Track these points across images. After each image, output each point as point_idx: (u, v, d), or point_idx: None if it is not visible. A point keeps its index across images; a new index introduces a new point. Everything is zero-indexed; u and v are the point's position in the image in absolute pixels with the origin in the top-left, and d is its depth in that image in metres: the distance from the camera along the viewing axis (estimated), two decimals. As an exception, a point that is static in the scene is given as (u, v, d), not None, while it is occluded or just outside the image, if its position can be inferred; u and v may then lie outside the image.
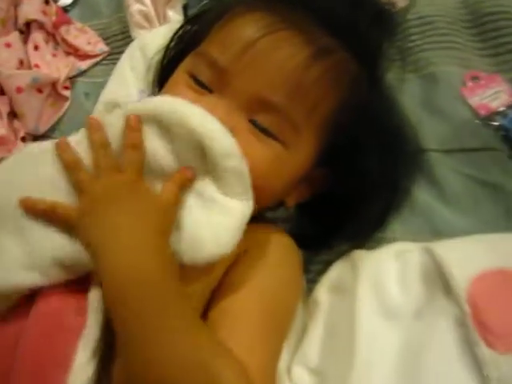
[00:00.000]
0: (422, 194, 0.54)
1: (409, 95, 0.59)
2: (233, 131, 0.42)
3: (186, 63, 0.47)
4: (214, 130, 0.39)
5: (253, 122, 0.44)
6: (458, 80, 0.59)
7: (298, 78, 0.42)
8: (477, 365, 0.40)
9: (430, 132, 0.56)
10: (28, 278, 0.38)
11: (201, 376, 0.34)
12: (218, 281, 0.45)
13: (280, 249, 0.49)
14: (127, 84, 0.65)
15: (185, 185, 0.40)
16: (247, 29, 0.43)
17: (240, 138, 0.42)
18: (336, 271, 0.52)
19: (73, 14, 0.83)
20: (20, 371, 0.36)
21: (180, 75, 0.47)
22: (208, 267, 0.43)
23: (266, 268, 0.46)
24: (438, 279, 0.45)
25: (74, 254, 0.38)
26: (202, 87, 0.45)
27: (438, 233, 0.51)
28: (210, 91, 0.45)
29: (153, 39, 0.67)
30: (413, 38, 0.62)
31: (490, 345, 0.40)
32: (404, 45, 0.60)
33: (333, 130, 0.46)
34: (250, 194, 0.40)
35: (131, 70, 0.66)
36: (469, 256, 0.46)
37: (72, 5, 0.84)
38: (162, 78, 0.57)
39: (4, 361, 0.38)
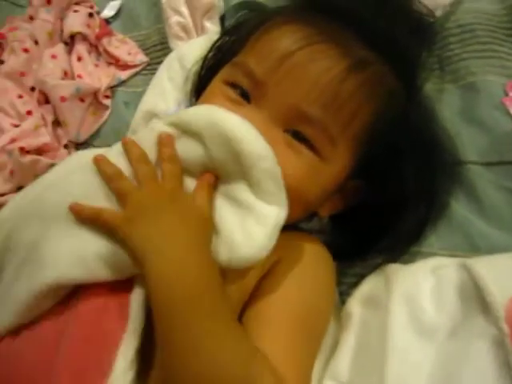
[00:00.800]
0: (460, 208, 0.52)
1: (448, 106, 0.56)
2: (269, 142, 0.42)
3: (224, 73, 0.48)
4: (247, 133, 0.40)
5: (289, 133, 0.44)
6: (499, 90, 0.55)
7: (334, 90, 0.42)
8: None
9: (469, 144, 0.54)
10: (73, 274, 0.39)
11: None
12: (251, 289, 0.45)
13: (314, 258, 0.49)
14: (165, 94, 0.66)
15: (211, 190, 0.41)
16: (284, 40, 0.43)
17: (276, 149, 0.42)
18: (369, 285, 0.51)
19: (115, 25, 0.85)
20: (60, 371, 0.36)
21: (217, 85, 0.47)
22: (242, 274, 0.44)
23: (299, 277, 0.46)
24: (475, 297, 0.44)
25: (117, 256, 0.39)
26: (239, 97, 0.45)
27: (477, 248, 0.49)
28: (247, 101, 0.45)
29: (190, 50, 0.67)
30: (452, 46, 0.59)
31: None
32: (443, 54, 0.58)
33: (369, 141, 0.46)
34: (283, 199, 0.40)
35: (169, 80, 0.67)
36: (508, 274, 0.44)
37: (114, 17, 0.86)
38: (199, 88, 0.58)
39: (46, 354, 0.39)
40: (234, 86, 0.46)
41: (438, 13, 0.60)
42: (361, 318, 0.49)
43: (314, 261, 0.48)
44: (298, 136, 0.44)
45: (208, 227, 0.40)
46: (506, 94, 0.54)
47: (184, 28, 0.70)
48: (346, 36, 0.44)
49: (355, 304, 0.50)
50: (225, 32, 0.58)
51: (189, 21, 0.71)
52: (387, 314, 0.46)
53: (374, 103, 0.45)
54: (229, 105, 0.45)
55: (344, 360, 0.46)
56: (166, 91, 0.66)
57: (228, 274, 0.41)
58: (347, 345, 0.48)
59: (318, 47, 0.43)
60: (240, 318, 0.44)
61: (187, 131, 0.42)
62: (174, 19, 0.70)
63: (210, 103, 0.46)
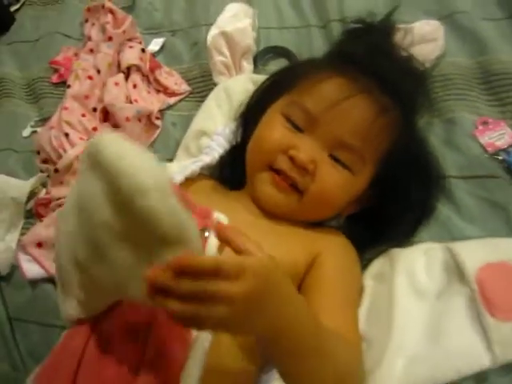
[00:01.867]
0: (443, 210, 0.67)
1: (434, 134, 0.73)
2: (317, 162, 0.58)
3: (281, 107, 0.63)
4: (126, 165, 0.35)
5: (332, 157, 0.60)
6: (471, 124, 0.72)
7: (369, 128, 0.59)
8: (483, 330, 0.54)
9: (450, 163, 0.70)
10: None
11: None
12: (301, 279, 0.59)
13: (345, 246, 0.64)
14: (213, 118, 0.81)
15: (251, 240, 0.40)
16: (334, 91, 0.60)
17: (322, 167, 0.59)
18: (378, 264, 0.65)
19: (158, 59, 1.01)
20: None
21: (276, 116, 0.63)
22: (293, 267, 0.57)
23: (340, 262, 0.61)
24: (455, 269, 0.59)
25: None
26: (295, 128, 0.61)
27: (455, 238, 0.64)
28: (301, 131, 0.61)
29: (234, 83, 0.84)
30: (437, 90, 0.77)
31: (492, 315, 0.54)
32: (430, 96, 0.75)
33: (385, 162, 0.62)
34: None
35: (217, 107, 0.82)
36: (477, 251, 0.59)
37: (158, 52, 1.03)
38: (248, 114, 0.73)
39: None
40: (291, 118, 0.61)
41: (427, 65, 0.77)
42: (372, 289, 0.63)
43: (346, 249, 0.64)
44: (340, 159, 0.60)
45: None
46: (476, 127, 0.72)
47: (226, 66, 0.87)
48: (373, 86, 0.60)
49: (367, 279, 0.64)
50: (273, 74, 0.73)
51: (229, 60, 0.87)
52: (392, 283, 0.60)
53: (391, 135, 0.61)
54: (287, 132, 0.61)
55: (361, 317, 0.60)
56: (214, 115, 0.81)
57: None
58: (362, 307, 0.61)
59: (357, 98, 0.59)
60: None
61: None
62: (217, 58, 0.87)
63: (271, 130, 0.62)
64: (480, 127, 0.72)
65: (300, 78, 0.64)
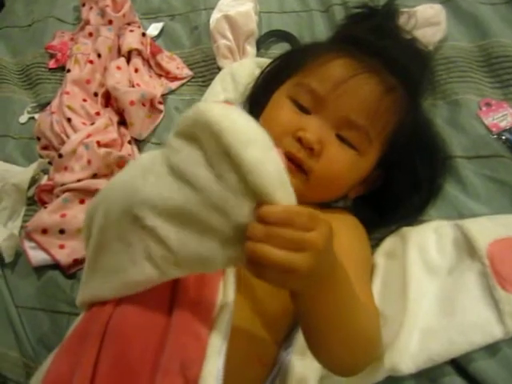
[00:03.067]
0: (450, 189, 0.69)
1: (439, 116, 0.74)
2: (325, 142, 0.59)
3: (288, 90, 0.63)
4: (229, 118, 0.38)
5: (339, 137, 0.61)
6: (475, 105, 0.75)
7: (375, 106, 0.59)
8: (494, 302, 0.55)
9: (455, 143, 0.72)
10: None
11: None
12: None
13: (354, 223, 0.65)
14: (220, 101, 0.81)
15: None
16: (340, 70, 0.60)
17: (329, 147, 0.59)
18: (389, 242, 0.66)
19: (158, 43, 1.01)
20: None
21: (283, 99, 0.63)
22: None
23: (350, 238, 0.61)
24: (465, 245, 0.60)
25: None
26: (302, 110, 0.61)
27: (463, 216, 0.66)
28: (308, 113, 0.61)
29: (240, 68, 0.84)
30: (440, 73, 0.78)
31: (503, 287, 0.55)
32: (434, 79, 0.77)
33: (392, 142, 0.63)
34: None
35: (222, 90, 0.82)
36: (487, 228, 0.61)
37: (157, 37, 1.02)
38: (255, 96, 0.73)
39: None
40: (298, 100, 0.61)
41: (430, 48, 0.79)
42: (384, 266, 0.64)
43: (354, 225, 0.65)
44: (347, 138, 0.61)
45: None
46: (480, 108, 0.74)
47: (229, 49, 0.87)
48: (379, 67, 0.61)
49: (379, 257, 0.65)
50: (278, 57, 0.74)
51: (233, 44, 0.87)
52: (405, 260, 0.61)
53: (398, 114, 0.62)
54: (294, 114, 0.61)
55: (375, 294, 0.60)
56: (219, 99, 0.82)
57: None
58: (375, 284, 0.62)
59: (363, 76, 0.60)
60: None
61: (186, 136, 0.40)
62: (221, 42, 0.87)
63: (278, 113, 0.62)
64: (484, 108, 0.74)
65: (305, 61, 0.64)
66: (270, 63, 0.74)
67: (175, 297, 0.47)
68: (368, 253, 0.64)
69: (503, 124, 0.72)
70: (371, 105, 0.60)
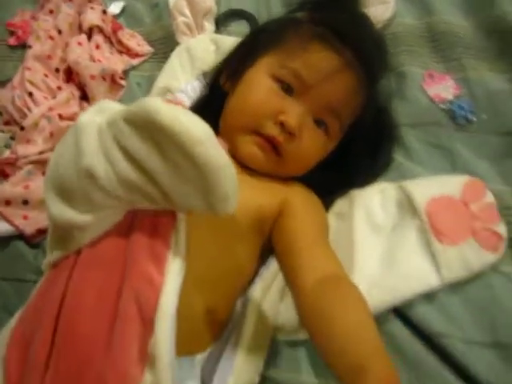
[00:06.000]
0: (395, 155, 0.73)
1: (386, 87, 0.77)
2: (303, 127, 0.62)
3: (270, 69, 0.64)
4: (182, 121, 0.42)
5: (316, 121, 0.64)
6: (419, 77, 0.79)
7: (351, 97, 0.64)
8: (432, 255, 0.60)
9: (401, 112, 0.76)
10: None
11: None
12: (269, 222, 0.63)
13: (307, 191, 0.68)
14: (177, 76, 0.84)
15: None
16: (326, 61, 0.63)
17: (307, 132, 0.63)
18: (339, 205, 0.70)
19: (119, 21, 1.02)
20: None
21: (264, 78, 0.64)
22: (257, 211, 0.61)
23: (306, 206, 0.65)
24: (407, 204, 0.65)
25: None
26: (282, 92, 0.63)
27: (406, 178, 0.69)
28: (290, 95, 0.63)
29: (196, 44, 0.87)
30: (388, 48, 0.83)
31: (439, 240, 0.61)
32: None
33: (354, 123, 0.67)
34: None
35: (180, 65, 0.85)
36: (425, 188, 0.66)
37: (118, 15, 1.04)
38: (222, 72, 0.73)
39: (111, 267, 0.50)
40: (280, 81, 0.63)
41: (379, 25, 0.84)
42: (334, 227, 0.67)
43: (309, 193, 0.68)
44: (319, 122, 0.64)
45: None
46: (424, 80, 0.79)
47: (188, 26, 0.89)
48: (353, 60, 0.64)
49: (330, 218, 0.68)
50: (251, 32, 0.76)
51: (191, 21, 0.90)
52: (352, 220, 0.66)
53: (363, 101, 0.66)
54: (276, 95, 0.63)
55: None
56: (177, 74, 0.84)
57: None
58: None
59: (344, 70, 0.63)
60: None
61: (135, 126, 0.44)
62: (180, 19, 0.89)
63: (259, 93, 0.63)
64: (427, 80, 0.79)
65: (283, 40, 0.66)
66: (244, 38, 0.75)
67: (129, 247, 0.50)
68: (323, 217, 0.67)
69: (445, 95, 0.77)
70: (349, 97, 0.64)
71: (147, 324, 0.46)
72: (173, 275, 0.48)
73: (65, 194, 0.49)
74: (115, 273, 0.49)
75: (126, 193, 0.47)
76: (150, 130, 0.43)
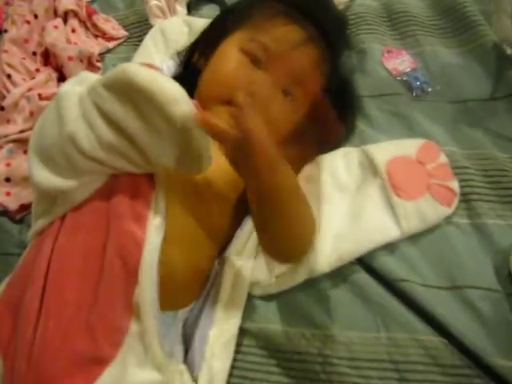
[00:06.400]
0: (358, 123, 0.78)
1: (348, 63, 0.84)
2: (271, 97, 0.66)
3: (240, 43, 0.69)
4: (156, 81, 0.46)
5: (284, 92, 0.69)
6: (379, 53, 0.85)
7: (313, 67, 0.69)
8: (392, 208, 0.65)
9: (363, 85, 0.81)
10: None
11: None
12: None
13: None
14: (151, 56, 0.87)
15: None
16: (292, 36, 0.68)
17: (275, 101, 0.67)
18: (307, 168, 0.74)
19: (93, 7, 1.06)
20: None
21: (234, 52, 0.68)
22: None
23: None
24: (368, 166, 0.70)
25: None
26: (251, 64, 0.68)
27: (368, 143, 0.74)
28: (259, 67, 0.68)
29: (169, 25, 0.91)
30: (350, 27, 0.89)
31: (398, 196, 0.66)
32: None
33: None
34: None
35: (154, 46, 0.89)
36: (385, 149, 0.71)
37: (92, 2, 1.07)
38: (196, 47, 0.78)
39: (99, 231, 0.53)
40: (249, 54, 0.68)
41: (340, 7, 0.90)
42: (304, 189, 0.66)
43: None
44: (286, 93, 0.69)
45: None
46: (383, 55, 0.85)
47: (161, 9, 0.94)
48: (316, 34, 0.69)
49: (300, 182, 0.68)
50: (221, 12, 0.82)
51: (164, 4, 0.94)
52: (319, 182, 0.70)
53: (326, 73, 0.72)
54: (246, 67, 0.67)
55: None
56: (151, 53, 0.88)
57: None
58: None
59: (308, 43, 0.68)
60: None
61: (114, 90, 0.48)
62: (153, 2, 0.94)
63: (229, 65, 0.68)
64: (386, 55, 0.85)
65: (251, 16, 0.71)
66: (217, 16, 0.79)
67: (111, 209, 0.53)
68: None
69: (402, 68, 0.83)
70: (313, 69, 0.70)
71: (131, 276, 0.50)
72: (154, 231, 0.51)
73: (49, 160, 0.52)
74: (99, 233, 0.52)
75: (107, 156, 0.50)
76: (128, 92, 0.46)
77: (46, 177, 0.52)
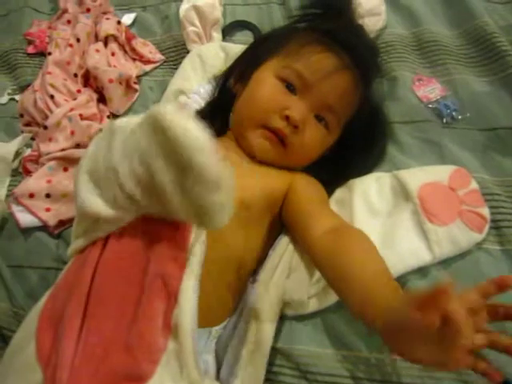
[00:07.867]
0: (389, 149, 0.80)
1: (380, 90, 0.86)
2: (305, 122, 0.70)
3: (275, 70, 0.72)
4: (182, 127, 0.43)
5: (317, 117, 0.72)
6: (409, 80, 0.87)
7: (348, 95, 0.72)
8: (424, 233, 0.66)
9: (393, 111, 0.83)
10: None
11: None
12: (280, 202, 0.70)
13: (310, 177, 0.75)
14: (190, 79, 0.91)
15: None
16: (327, 63, 0.71)
17: (308, 125, 0.70)
18: (339, 193, 0.76)
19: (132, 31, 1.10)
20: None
21: (270, 78, 0.72)
22: (271, 194, 0.69)
23: (307, 184, 0.72)
24: (401, 191, 0.71)
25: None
26: (289, 89, 0.71)
27: (399, 169, 0.75)
28: (294, 93, 0.71)
29: (207, 49, 0.95)
30: (381, 55, 0.90)
31: (431, 221, 0.67)
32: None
33: (351, 120, 0.75)
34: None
35: (192, 69, 0.92)
36: (417, 175, 0.72)
37: (130, 26, 1.11)
38: (231, 74, 0.82)
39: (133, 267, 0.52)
40: (284, 80, 0.71)
41: (372, 35, 0.92)
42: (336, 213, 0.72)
43: (310, 178, 0.75)
44: (320, 118, 0.72)
45: None
46: (413, 83, 0.87)
47: (197, 35, 0.97)
48: (350, 63, 0.72)
49: (331, 205, 0.74)
50: (257, 39, 0.85)
51: (201, 30, 0.98)
52: (352, 206, 0.71)
53: (358, 100, 0.74)
54: (281, 93, 0.71)
55: None
56: (189, 77, 0.92)
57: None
58: None
59: (343, 71, 0.71)
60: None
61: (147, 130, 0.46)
62: (190, 29, 0.97)
63: (266, 91, 0.71)
64: (416, 83, 0.87)
65: (287, 45, 0.74)
66: (250, 44, 0.83)
67: (153, 234, 0.53)
68: (325, 193, 0.74)
69: (432, 95, 0.85)
70: (346, 95, 0.72)
71: (171, 297, 0.50)
72: (195, 255, 0.53)
73: (96, 180, 0.53)
74: (141, 257, 0.52)
75: (143, 196, 0.49)
76: (157, 133, 0.45)
77: (90, 198, 0.53)
